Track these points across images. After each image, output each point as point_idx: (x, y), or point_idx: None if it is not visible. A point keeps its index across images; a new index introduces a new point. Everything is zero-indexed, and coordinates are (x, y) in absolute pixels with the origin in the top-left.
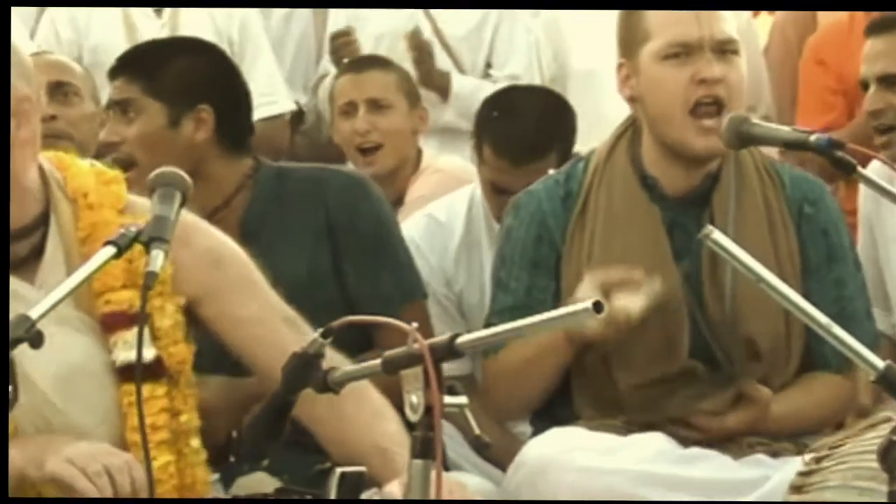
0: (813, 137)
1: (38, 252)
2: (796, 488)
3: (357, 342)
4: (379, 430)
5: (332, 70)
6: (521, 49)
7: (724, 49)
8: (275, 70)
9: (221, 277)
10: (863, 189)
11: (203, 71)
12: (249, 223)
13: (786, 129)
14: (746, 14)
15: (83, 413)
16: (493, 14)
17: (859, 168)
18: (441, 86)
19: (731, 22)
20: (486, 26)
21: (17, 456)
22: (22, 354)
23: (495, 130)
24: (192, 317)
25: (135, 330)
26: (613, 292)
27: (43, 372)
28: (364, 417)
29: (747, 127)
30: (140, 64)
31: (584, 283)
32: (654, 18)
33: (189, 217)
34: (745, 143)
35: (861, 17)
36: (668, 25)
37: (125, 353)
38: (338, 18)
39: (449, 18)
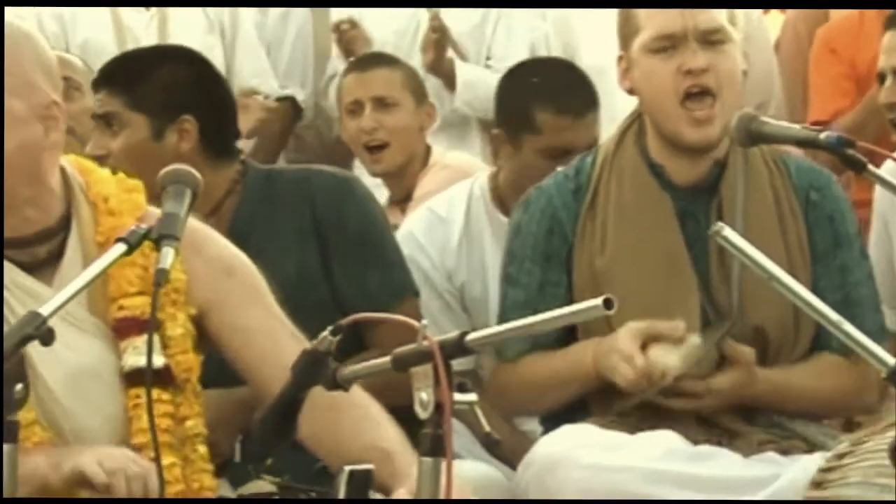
0: (823, 135)
1: (57, 255)
2: (817, 484)
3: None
4: (375, 432)
5: (341, 70)
6: (521, 45)
7: (710, 39)
8: (262, 54)
9: (232, 286)
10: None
11: (185, 81)
12: (238, 226)
13: (796, 126)
14: (757, 11)
15: (90, 414)
16: (494, 11)
17: (870, 166)
18: (448, 74)
19: (717, 11)
20: (487, 23)
21: (41, 462)
22: (34, 353)
23: (549, 90)
24: (199, 332)
25: (145, 337)
26: (652, 344)
27: (53, 372)
28: (356, 421)
29: (757, 125)
30: (122, 77)
31: (623, 331)
32: (644, 11)
33: (199, 225)
34: (756, 142)
35: (872, 12)
36: (654, 17)
37: (135, 359)
38: (340, 18)
39: (453, 16)
